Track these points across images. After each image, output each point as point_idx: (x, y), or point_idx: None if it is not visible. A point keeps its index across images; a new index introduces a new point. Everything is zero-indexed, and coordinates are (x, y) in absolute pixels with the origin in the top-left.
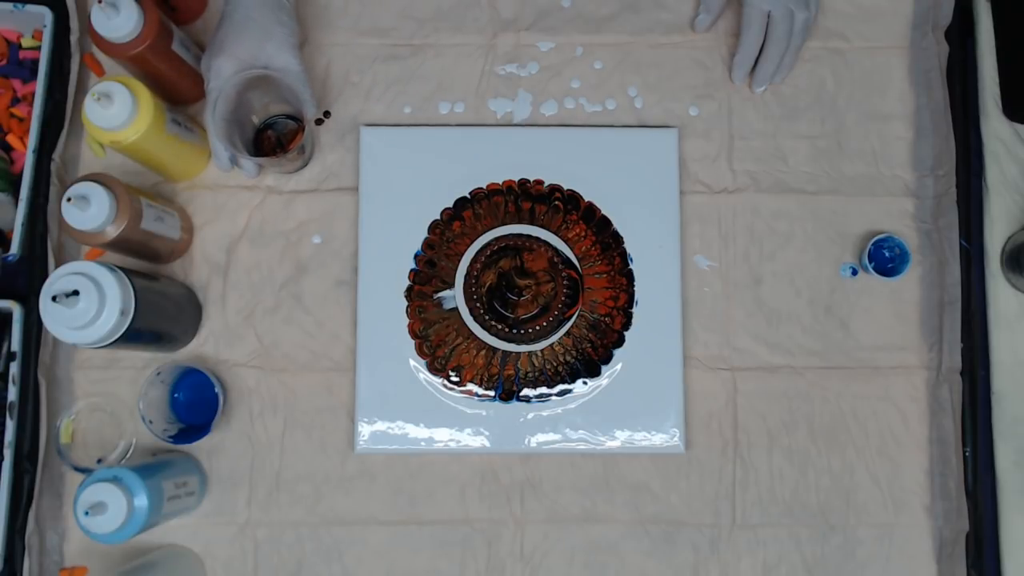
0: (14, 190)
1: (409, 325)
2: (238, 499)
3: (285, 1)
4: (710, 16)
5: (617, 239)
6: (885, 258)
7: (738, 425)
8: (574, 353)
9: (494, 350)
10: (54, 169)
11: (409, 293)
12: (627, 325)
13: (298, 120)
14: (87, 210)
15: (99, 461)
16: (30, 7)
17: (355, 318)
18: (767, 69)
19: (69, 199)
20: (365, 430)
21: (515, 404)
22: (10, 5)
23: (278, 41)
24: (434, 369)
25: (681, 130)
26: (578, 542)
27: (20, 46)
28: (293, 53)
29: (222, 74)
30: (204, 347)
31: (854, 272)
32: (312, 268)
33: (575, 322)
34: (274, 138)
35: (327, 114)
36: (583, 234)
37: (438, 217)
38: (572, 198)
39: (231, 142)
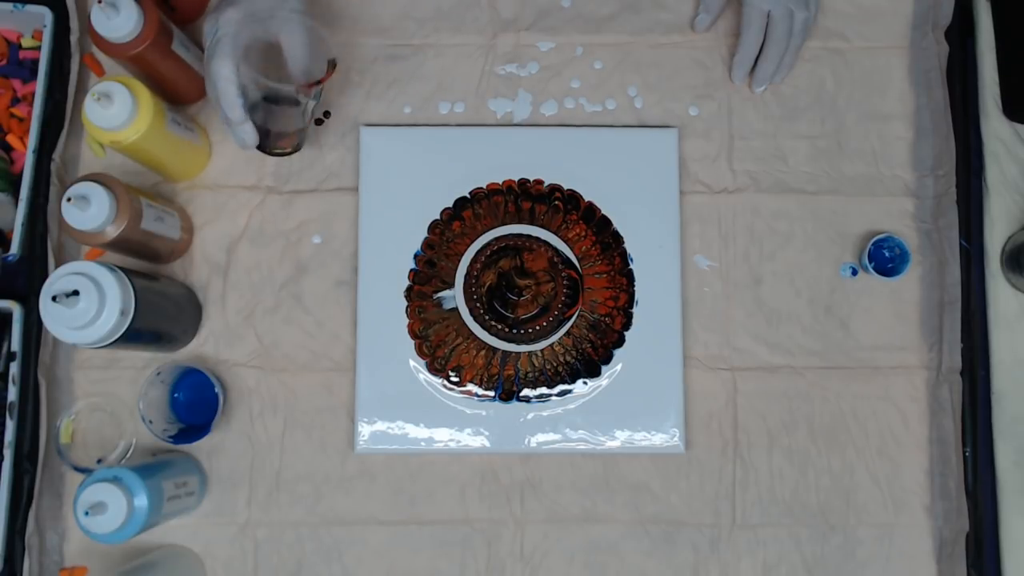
0: (14, 190)
1: (409, 325)
2: (238, 499)
3: None
4: (710, 16)
5: (617, 239)
6: (885, 258)
7: (738, 425)
8: (574, 353)
9: (494, 350)
10: (54, 169)
11: (409, 293)
12: (627, 325)
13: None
14: (87, 210)
15: (99, 461)
16: (30, 7)
17: (355, 318)
18: (767, 69)
19: (69, 199)
20: (365, 430)
21: (515, 404)
22: (10, 5)
23: (292, 3)
24: (434, 369)
25: (681, 130)
26: (578, 542)
27: (20, 46)
28: (301, 4)
29: (232, 22)
30: (204, 347)
31: (854, 272)
32: (312, 268)
33: (575, 322)
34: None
35: (327, 114)
36: (583, 234)
37: (438, 217)
38: (572, 198)
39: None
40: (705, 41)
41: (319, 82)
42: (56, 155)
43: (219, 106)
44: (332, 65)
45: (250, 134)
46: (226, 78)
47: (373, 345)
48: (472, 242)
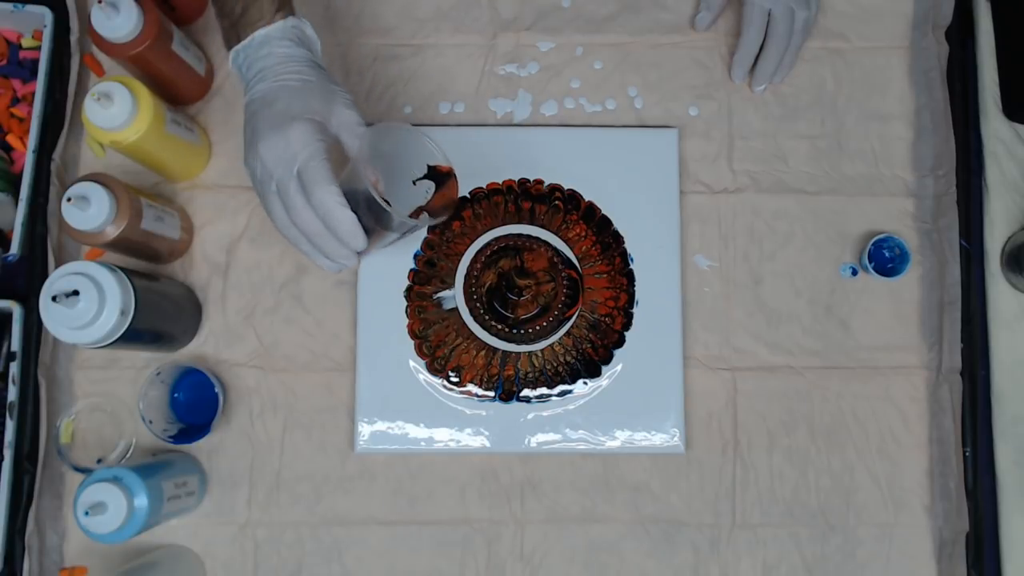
0: (14, 190)
1: (409, 325)
2: (238, 499)
3: (321, 66)
4: (711, 14)
5: (617, 239)
6: (885, 258)
7: (738, 425)
8: (574, 353)
9: (494, 350)
10: (54, 169)
11: (409, 293)
12: (627, 325)
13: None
14: (87, 210)
15: (99, 461)
16: (30, 7)
17: (355, 318)
18: (767, 68)
19: (69, 199)
20: (365, 430)
21: (515, 404)
22: (10, 5)
23: (343, 100)
24: (434, 369)
25: (681, 130)
26: (578, 542)
27: (20, 46)
28: (356, 111)
29: (309, 141)
30: (204, 347)
31: (854, 272)
32: (312, 268)
33: (575, 322)
34: None
35: None
36: (583, 234)
37: None
38: (572, 198)
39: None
40: (705, 41)
41: (441, 216)
42: (56, 155)
43: (327, 239)
44: (451, 176)
45: (363, 257)
46: (342, 205)
47: (373, 345)
48: (472, 242)
